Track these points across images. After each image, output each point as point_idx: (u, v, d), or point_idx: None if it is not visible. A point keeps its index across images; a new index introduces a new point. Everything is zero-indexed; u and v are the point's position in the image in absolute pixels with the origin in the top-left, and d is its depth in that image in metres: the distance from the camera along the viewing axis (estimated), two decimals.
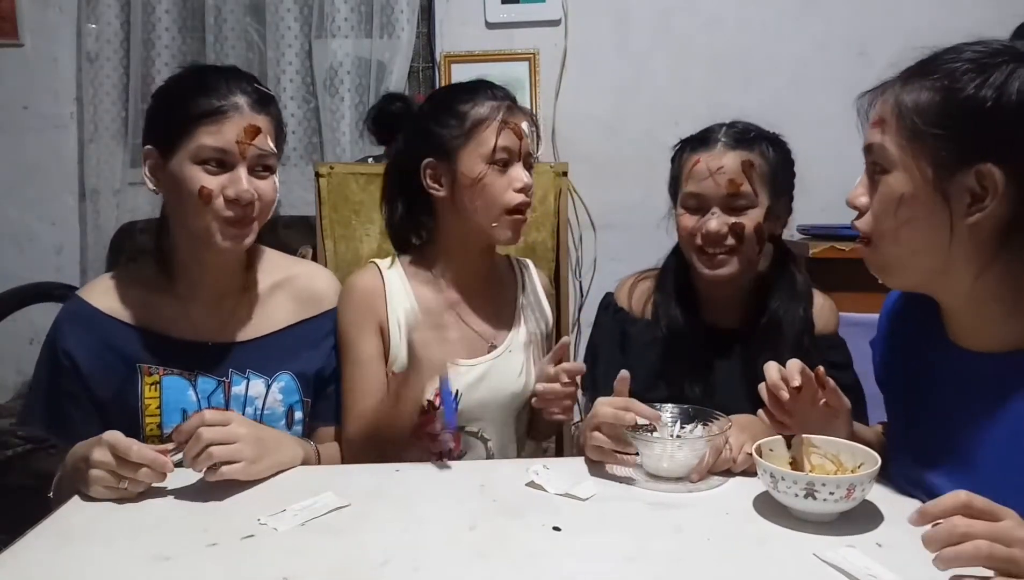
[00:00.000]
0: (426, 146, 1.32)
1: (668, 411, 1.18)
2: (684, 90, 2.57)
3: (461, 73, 2.54)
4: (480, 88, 1.33)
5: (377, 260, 1.39)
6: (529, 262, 1.53)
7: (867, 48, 2.49)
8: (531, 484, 1.07)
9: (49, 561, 0.89)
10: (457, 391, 1.32)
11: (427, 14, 2.60)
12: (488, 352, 1.37)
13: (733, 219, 1.27)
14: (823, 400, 1.06)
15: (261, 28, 2.62)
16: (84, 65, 2.59)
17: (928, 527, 0.77)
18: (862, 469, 0.98)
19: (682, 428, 1.16)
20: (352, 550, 0.90)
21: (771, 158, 1.30)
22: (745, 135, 1.30)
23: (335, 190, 2.16)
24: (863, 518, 0.95)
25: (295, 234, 2.31)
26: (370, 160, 2.32)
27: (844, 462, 1.02)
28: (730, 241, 1.28)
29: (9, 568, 0.87)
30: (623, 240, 2.58)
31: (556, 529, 0.95)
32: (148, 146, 1.20)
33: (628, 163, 2.60)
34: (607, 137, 2.61)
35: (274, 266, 1.33)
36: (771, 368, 1.05)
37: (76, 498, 1.03)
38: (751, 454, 1.07)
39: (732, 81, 2.56)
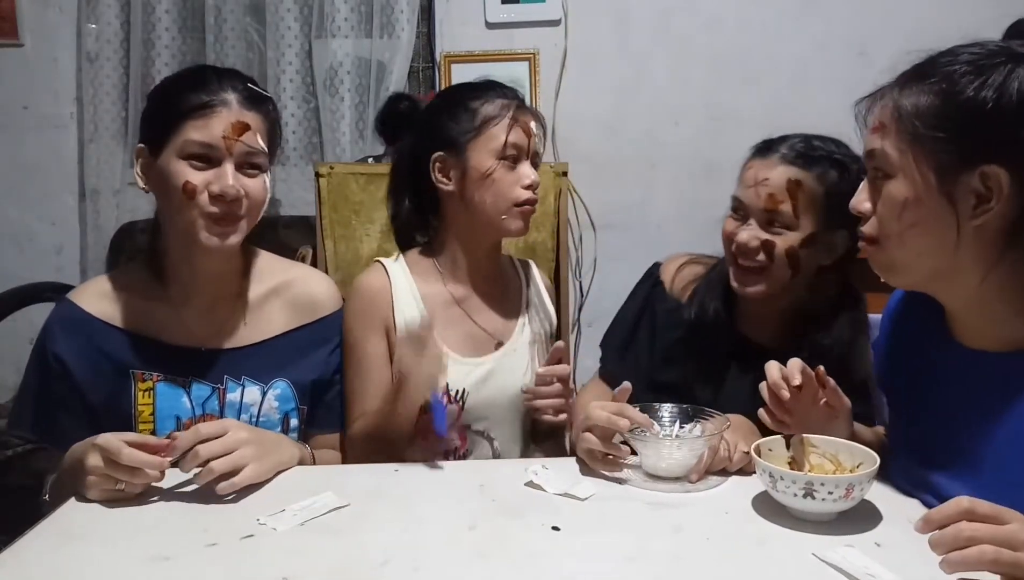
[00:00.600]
0: (436, 140, 1.33)
1: (666, 411, 1.18)
2: (684, 90, 2.57)
3: (461, 73, 2.54)
4: (491, 86, 1.35)
5: (382, 258, 1.39)
6: (531, 262, 1.54)
7: (867, 48, 2.49)
8: (530, 484, 1.07)
9: (49, 561, 0.89)
10: (464, 390, 1.33)
11: (427, 14, 2.60)
12: (495, 349, 1.37)
13: (766, 236, 1.22)
14: (823, 399, 1.06)
15: (261, 28, 2.62)
16: (84, 65, 2.58)
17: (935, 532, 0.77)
18: (861, 469, 0.98)
19: (680, 428, 1.16)
20: (352, 550, 0.90)
21: (829, 183, 1.21)
22: (809, 152, 1.23)
23: (335, 190, 2.16)
24: (862, 518, 0.95)
25: (295, 234, 2.31)
26: (370, 160, 2.32)
27: (843, 462, 1.02)
28: (761, 257, 1.23)
29: (9, 568, 0.87)
30: (623, 240, 2.58)
31: (555, 529, 0.95)
32: (140, 145, 1.19)
33: (628, 163, 2.60)
34: (607, 137, 2.60)
35: (270, 270, 1.31)
36: (772, 367, 1.05)
37: (74, 499, 1.03)
38: (746, 453, 1.07)
39: (732, 81, 2.56)
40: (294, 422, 1.27)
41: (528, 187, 1.32)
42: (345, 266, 2.20)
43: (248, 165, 1.16)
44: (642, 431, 1.10)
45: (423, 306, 1.34)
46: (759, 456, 1.00)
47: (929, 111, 0.89)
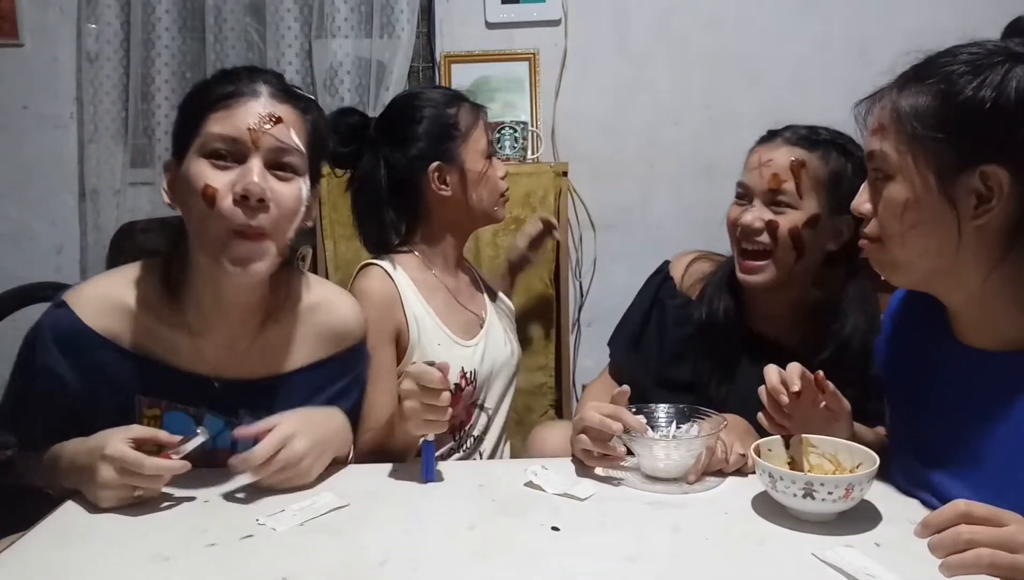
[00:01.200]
0: (429, 153, 1.43)
1: (663, 411, 1.18)
2: (684, 90, 2.57)
3: (461, 73, 2.54)
4: (454, 95, 1.49)
5: (375, 262, 1.43)
6: None
7: (867, 48, 2.49)
8: (530, 484, 1.08)
9: (49, 561, 0.89)
10: (474, 370, 1.45)
11: (427, 14, 2.60)
12: (481, 328, 1.51)
13: (770, 215, 1.24)
14: (823, 403, 1.06)
15: (261, 28, 2.62)
16: (84, 65, 2.58)
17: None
18: (860, 469, 0.98)
19: (677, 428, 1.16)
20: (351, 550, 0.90)
21: (833, 164, 1.23)
22: (812, 135, 1.25)
23: (335, 190, 2.16)
24: (861, 518, 0.95)
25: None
26: None
27: (842, 462, 1.02)
28: (764, 238, 1.24)
29: (9, 568, 0.87)
30: (623, 240, 2.59)
31: (555, 529, 0.95)
32: (168, 160, 1.09)
33: (628, 163, 2.60)
34: (607, 137, 2.60)
35: (295, 294, 1.18)
36: (771, 371, 1.05)
37: (71, 501, 1.03)
38: (742, 455, 1.07)
39: (732, 81, 2.56)
40: None
41: (503, 177, 1.50)
42: (345, 266, 2.20)
43: (279, 165, 1.03)
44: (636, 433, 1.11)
45: (428, 305, 1.42)
46: (759, 456, 1.00)
47: (928, 112, 0.89)
